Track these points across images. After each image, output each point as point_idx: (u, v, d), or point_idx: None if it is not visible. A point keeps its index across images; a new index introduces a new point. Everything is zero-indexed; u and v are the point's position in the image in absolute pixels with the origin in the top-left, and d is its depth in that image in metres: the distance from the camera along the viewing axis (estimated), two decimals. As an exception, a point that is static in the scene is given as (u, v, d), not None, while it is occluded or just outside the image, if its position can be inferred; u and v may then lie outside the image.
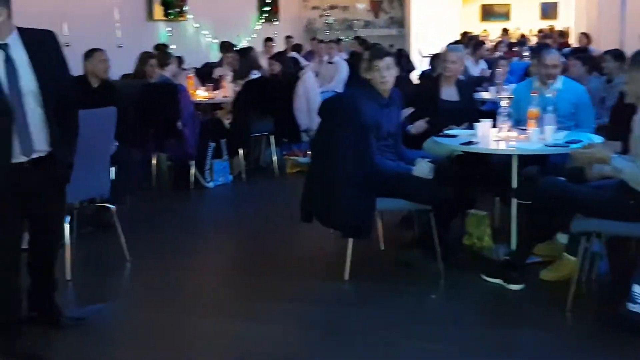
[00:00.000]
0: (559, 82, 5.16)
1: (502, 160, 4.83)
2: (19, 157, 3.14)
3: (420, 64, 17.55)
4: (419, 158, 4.47)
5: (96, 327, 3.74)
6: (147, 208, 6.13)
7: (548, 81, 5.07)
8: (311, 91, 7.65)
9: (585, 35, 12.81)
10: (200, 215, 6.16)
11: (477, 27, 27.12)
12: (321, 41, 11.02)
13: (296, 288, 4.28)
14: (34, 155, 3.18)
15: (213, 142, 6.82)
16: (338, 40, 11.97)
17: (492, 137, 4.51)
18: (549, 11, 26.42)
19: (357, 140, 4.14)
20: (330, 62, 10.24)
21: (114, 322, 3.86)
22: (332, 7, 17.78)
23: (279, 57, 7.62)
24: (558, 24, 21.97)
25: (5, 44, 3.07)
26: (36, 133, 3.16)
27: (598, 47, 11.67)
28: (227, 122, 7.06)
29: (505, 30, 15.37)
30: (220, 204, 6.59)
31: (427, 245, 4.37)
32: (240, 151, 7.13)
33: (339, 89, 10.17)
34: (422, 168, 4.33)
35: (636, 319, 3.49)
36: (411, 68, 15.35)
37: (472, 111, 5.50)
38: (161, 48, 7.19)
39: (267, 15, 14.49)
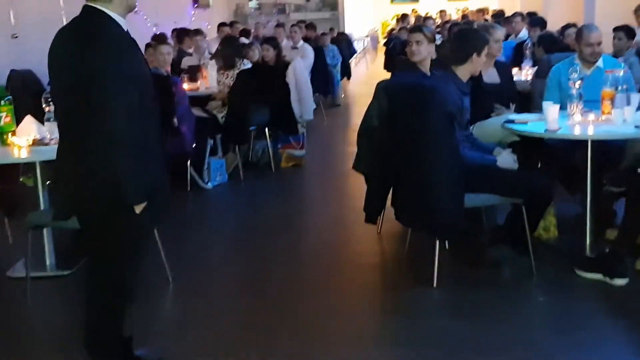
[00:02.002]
0: (600, 60, 4.92)
1: (563, 146, 4.56)
2: None
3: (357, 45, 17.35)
4: (497, 148, 4.13)
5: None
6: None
7: (593, 60, 4.81)
8: (301, 79, 7.16)
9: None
10: (214, 222, 5.57)
11: (388, 10, 27.26)
12: (279, 25, 10.46)
13: (386, 301, 3.84)
14: None
15: (211, 138, 6.23)
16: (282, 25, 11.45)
17: (568, 121, 4.21)
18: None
19: (445, 132, 3.72)
20: (294, 47, 9.74)
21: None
22: (261, -9, 17.21)
23: (271, 42, 7.03)
24: (472, 5, 22.15)
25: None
26: None
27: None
28: (220, 116, 6.46)
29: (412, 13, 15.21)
30: (230, 207, 6.02)
31: (514, 241, 4.03)
32: (235, 147, 6.57)
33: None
34: (506, 159, 3.99)
35: None
36: (353, 51, 15.08)
37: (513, 92, 5.21)
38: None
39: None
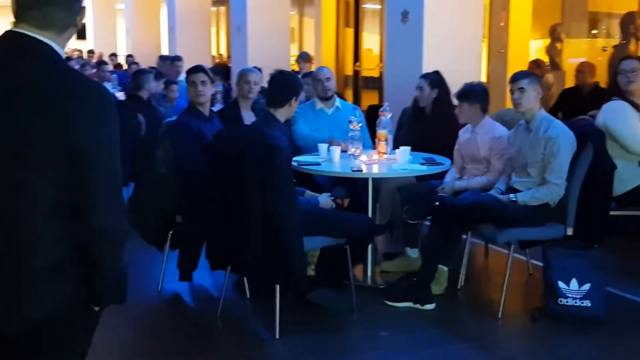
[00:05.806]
0: (337, 101, 5.33)
1: (329, 183, 4.80)
2: None
3: None
4: (307, 191, 4.16)
5: None
6: None
7: (324, 95, 5.20)
8: None
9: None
10: None
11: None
12: None
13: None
14: None
15: None
16: None
17: (356, 161, 4.45)
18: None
19: (289, 176, 3.63)
20: None
21: None
22: None
23: None
24: (86, 46, 21.55)
25: None
26: None
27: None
28: None
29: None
30: None
31: (334, 282, 4.09)
32: None
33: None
34: (326, 200, 4.05)
35: (566, 310, 3.95)
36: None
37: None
38: None
39: None
